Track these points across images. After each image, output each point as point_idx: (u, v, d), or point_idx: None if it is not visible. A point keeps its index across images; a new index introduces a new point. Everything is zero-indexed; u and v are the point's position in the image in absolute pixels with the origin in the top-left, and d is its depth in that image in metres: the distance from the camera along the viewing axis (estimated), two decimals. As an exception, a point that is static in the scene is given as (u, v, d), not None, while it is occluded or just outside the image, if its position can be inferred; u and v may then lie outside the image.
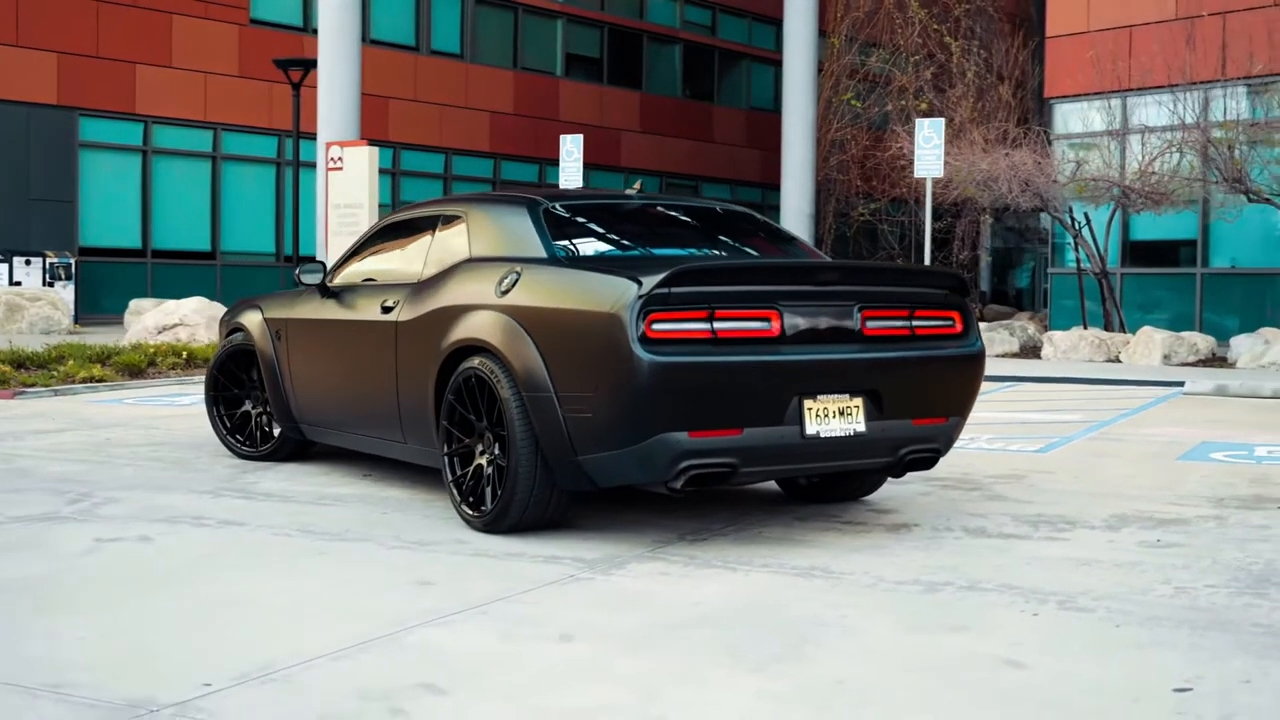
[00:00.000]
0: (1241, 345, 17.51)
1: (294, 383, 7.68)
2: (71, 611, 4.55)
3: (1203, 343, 18.27)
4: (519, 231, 6.26)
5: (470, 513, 5.96)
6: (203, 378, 13.70)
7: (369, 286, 7.18)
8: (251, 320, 8.12)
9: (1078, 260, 21.88)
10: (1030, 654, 4.09)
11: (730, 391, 5.38)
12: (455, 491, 6.08)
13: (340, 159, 17.65)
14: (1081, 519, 6.40)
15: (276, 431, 8.05)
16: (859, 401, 5.68)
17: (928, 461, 6.07)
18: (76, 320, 22.75)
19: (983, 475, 7.74)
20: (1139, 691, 3.73)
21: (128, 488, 7.03)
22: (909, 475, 7.26)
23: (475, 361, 5.92)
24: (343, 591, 4.86)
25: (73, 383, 12.70)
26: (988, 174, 19.89)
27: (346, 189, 17.63)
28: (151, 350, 14.39)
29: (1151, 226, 22.34)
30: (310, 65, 22.89)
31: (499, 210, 6.58)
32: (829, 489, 6.79)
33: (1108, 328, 20.67)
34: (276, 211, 29.05)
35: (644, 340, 5.22)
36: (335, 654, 4.00)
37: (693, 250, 6.84)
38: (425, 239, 6.92)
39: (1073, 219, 20.86)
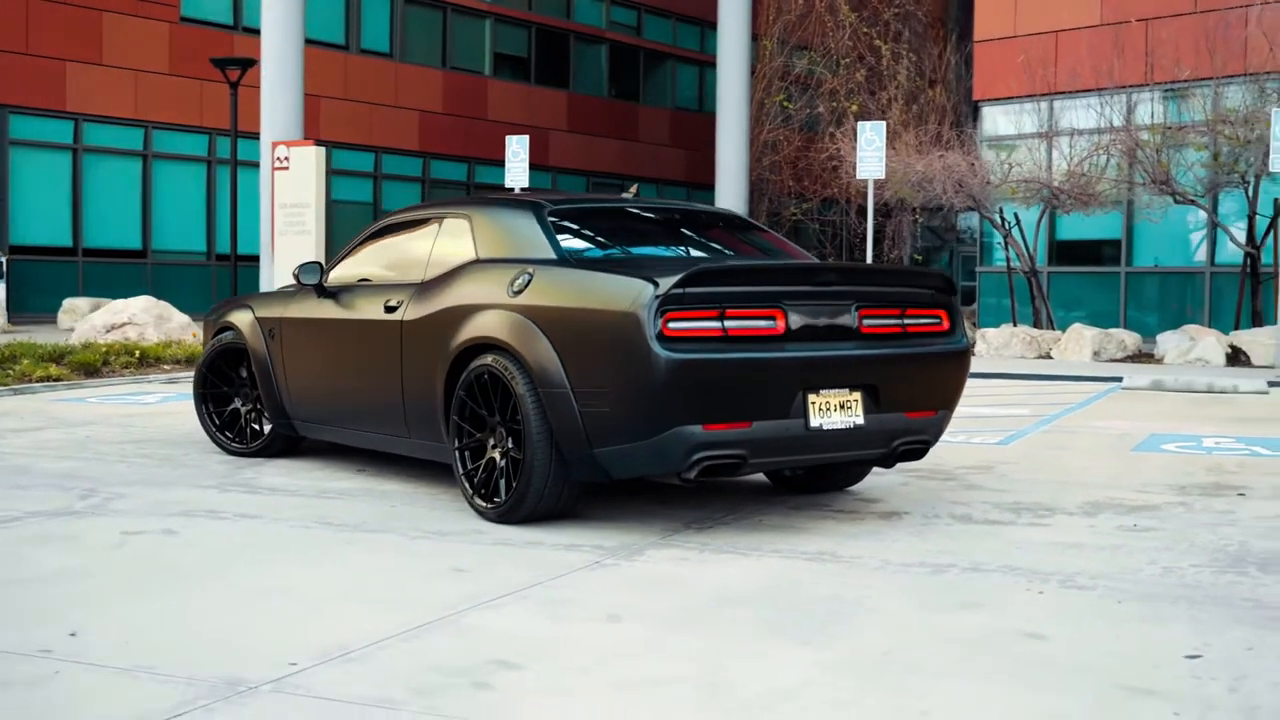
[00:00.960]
0: (1168, 341, 18.11)
1: (289, 380, 7.83)
2: (124, 600, 4.71)
3: (1130, 339, 18.88)
4: (526, 234, 6.49)
5: (484, 504, 6.18)
6: (156, 377, 13.81)
7: (368, 287, 7.36)
8: (242, 319, 8.24)
9: (1007, 259, 22.46)
10: (1046, 627, 4.41)
11: (741, 386, 5.66)
12: (467, 484, 6.29)
13: (287, 159, 17.70)
14: (1058, 506, 6.76)
15: (266, 429, 8.20)
16: (858, 396, 5.99)
17: (918, 453, 6.40)
18: (8, 319, 22.53)
19: (954, 466, 8.08)
20: (1155, 658, 4.07)
21: (130, 483, 7.16)
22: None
23: (488, 359, 6.14)
24: (382, 579, 5.07)
25: (30, 381, 12.70)
26: (923, 175, 20.39)
27: (293, 188, 17.69)
28: (104, 349, 14.39)
29: (1077, 227, 23.00)
30: (248, 64, 22.85)
31: (504, 213, 6.80)
32: (816, 480, 7.09)
33: (1037, 325, 21.24)
34: (208, 210, 28.89)
35: (661, 338, 5.48)
36: (402, 635, 4.22)
37: (687, 251, 7.10)
38: (425, 242, 7.11)
39: (1003, 219, 21.41)
